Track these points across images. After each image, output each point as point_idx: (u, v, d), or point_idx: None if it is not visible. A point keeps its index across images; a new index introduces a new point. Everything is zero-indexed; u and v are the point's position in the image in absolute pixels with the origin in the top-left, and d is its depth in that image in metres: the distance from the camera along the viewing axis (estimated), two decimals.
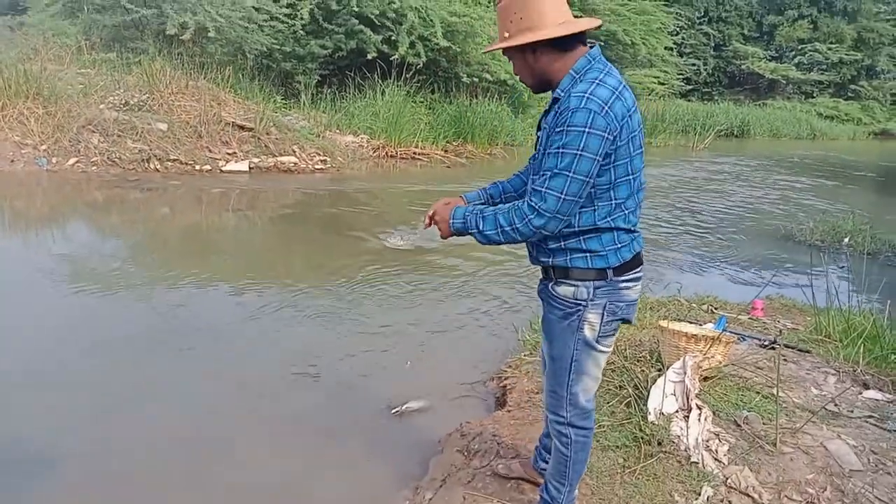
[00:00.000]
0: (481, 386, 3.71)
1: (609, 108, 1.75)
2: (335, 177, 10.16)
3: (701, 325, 3.79)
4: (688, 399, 2.79)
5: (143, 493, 2.61)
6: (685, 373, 2.87)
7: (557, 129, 1.78)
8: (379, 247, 6.41)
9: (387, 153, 12.07)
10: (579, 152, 1.74)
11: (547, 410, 2.17)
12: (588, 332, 1.95)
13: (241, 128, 10.05)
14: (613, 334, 2.01)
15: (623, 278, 1.93)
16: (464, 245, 6.40)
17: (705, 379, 3.12)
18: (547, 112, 1.90)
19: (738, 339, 3.66)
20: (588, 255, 1.90)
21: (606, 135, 1.75)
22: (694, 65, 31.67)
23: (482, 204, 2.16)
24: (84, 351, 3.72)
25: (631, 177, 1.86)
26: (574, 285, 1.93)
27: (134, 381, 3.44)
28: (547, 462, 2.31)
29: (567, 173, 1.76)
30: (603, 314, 1.93)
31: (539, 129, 1.97)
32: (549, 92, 1.93)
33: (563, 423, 2.09)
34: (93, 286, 4.70)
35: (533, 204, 1.81)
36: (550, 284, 1.99)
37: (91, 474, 2.69)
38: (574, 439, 2.09)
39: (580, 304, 1.93)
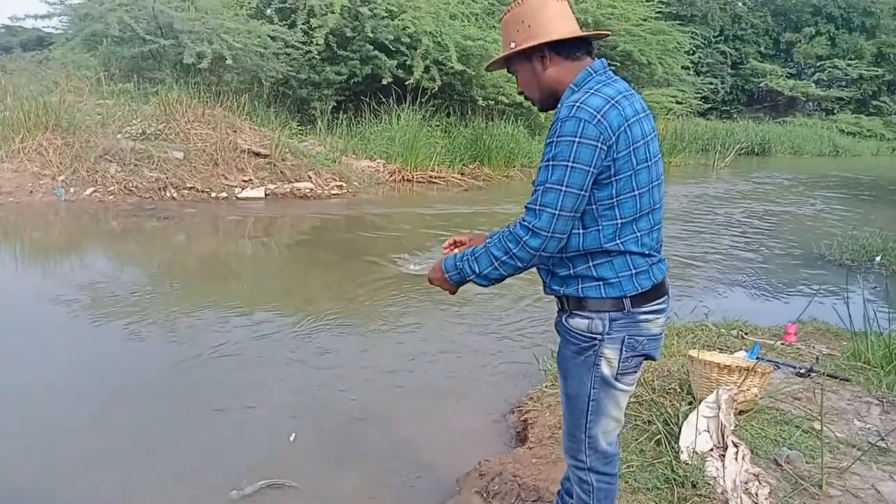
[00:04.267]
0: (501, 419, 3.53)
1: (602, 116, 1.64)
2: (351, 202, 10.10)
3: (732, 352, 3.59)
4: (723, 436, 2.60)
5: None
6: (719, 407, 2.68)
7: (548, 141, 1.69)
8: (395, 272, 6.29)
9: (403, 177, 12.02)
10: (570, 164, 1.63)
11: (565, 454, 1.99)
12: (606, 369, 1.79)
13: (257, 154, 10.06)
14: (635, 371, 1.85)
15: (643, 309, 1.77)
16: None
17: (740, 413, 2.92)
18: None
19: (774, 367, 3.45)
20: (601, 283, 1.75)
21: (600, 144, 1.63)
22: (711, 83, 31.48)
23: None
24: (102, 395, 3.58)
25: (636, 192, 1.71)
26: (588, 317, 1.77)
27: (146, 424, 3.31)
28: None
29: (559, 187, 1.64)
30: (621, 349, 1.77)
31: None
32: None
33: (583, 468, 1.91)
34: (111, 317, 4.62)
35: (527, 224, 1.68)
36: (564, 317, 1.84)
37: None
38: (596, 486, 1.91)
39: (595, 338, 1.77)
